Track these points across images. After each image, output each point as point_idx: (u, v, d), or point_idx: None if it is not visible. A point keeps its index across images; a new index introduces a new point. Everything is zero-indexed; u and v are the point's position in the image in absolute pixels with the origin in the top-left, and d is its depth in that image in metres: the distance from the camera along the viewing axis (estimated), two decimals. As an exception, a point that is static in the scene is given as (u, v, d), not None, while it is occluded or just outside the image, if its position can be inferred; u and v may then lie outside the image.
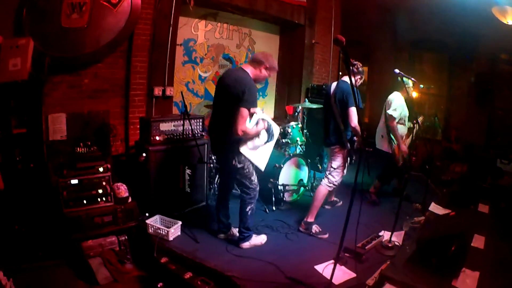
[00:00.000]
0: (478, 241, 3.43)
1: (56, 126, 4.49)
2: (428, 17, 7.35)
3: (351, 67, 3.82)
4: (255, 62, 3.95)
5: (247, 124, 3.78)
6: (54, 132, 4.49)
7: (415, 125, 4.34)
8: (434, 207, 4.66)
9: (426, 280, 2.82)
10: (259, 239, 4.22)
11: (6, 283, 2.56)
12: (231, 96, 3.74)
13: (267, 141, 4.09)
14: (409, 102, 5.10)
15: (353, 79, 3.07)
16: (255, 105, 3.82)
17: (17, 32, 4.09)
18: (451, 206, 4.52)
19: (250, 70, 3.91)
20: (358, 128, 4.26)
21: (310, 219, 4.63)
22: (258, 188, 4.12)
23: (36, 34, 4.03)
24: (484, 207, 4.36)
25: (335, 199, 5.49)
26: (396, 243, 4.17)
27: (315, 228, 4.60)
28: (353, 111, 4.30)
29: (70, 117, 4.57)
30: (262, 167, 4.11)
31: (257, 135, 3.96)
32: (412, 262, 3.14)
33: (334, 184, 4.65)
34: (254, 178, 4.08)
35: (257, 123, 3.94)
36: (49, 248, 3.80)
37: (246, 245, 4.10)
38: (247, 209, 4.06)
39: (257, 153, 4.03)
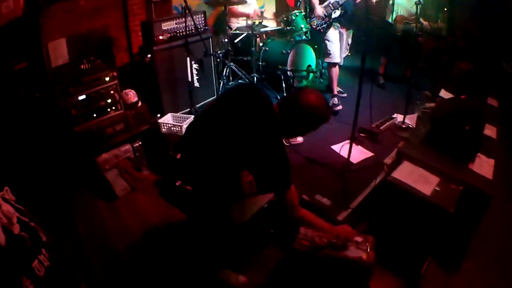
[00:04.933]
0: (490, 131, 3.36)
1: (57, 52, 4.34)
2: None
3: None
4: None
5: None
6: (56, 58, 4.33)
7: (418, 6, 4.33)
8: (444, 94, 4.63)
9: (442, 160, 2.80)
10: None
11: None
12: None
13: None
14: None
15: None
16: None
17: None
18: (460, 93, 4.47)
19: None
20: None
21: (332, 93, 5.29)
22: None
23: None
24: (493, 101, 4.27)
25: (339, 89, 5.58)
26: (410, 125, 4.18)
27: (332, 101, 5.15)
28: None
29: (70, 40, 4.42)
30: None
31: None
32: (428, 141, 3.11)
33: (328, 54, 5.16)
34: None
35: None
36: (64, 172, 3.76)
37: None
38: None
39: None
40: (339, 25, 5.14)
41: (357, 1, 4.82)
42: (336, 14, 5.00)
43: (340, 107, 5.11)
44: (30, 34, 3.88)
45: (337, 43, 5.16)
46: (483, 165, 2.79)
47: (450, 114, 3.09)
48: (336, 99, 5.21)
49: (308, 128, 2.48)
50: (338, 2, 4.89)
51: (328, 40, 5.15)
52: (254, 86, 2.82)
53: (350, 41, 5.50)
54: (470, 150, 2.87)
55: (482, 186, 2.54)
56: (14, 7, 3.53)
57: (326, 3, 4.99)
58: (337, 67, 5.30)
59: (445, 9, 7.05)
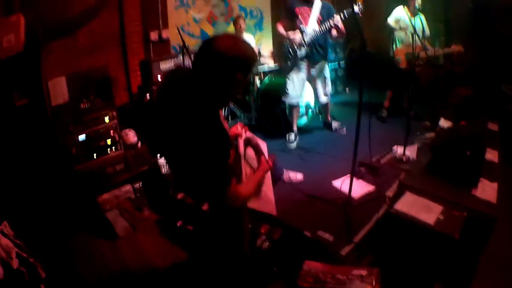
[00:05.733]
0: (491, 155, 3.33)
1: (57, 90, 4.36)
2: None
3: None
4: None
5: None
6: (56, 97, 4.34)
7: (414, 35, 4.43)
8: (444, 122, 4.65)
9: (445, 188, 2.76)
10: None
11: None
12: None
13: None
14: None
15: None
16: None
17: (7, 11, 3.84)
18: (460, 119, 4.48)
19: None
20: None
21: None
22: None
23: (28, 7, 3.86)
24: (493, 125, 4.27)
25: (338, 126, 5.54)
26: (411, 158, 4.17)
27: (288, 136, 5.15)
28: None
29: (70, 78, 4.43)
30: None
31: None
32: (429, 170, 3.07)
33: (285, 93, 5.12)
34: None
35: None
36: (65, 209, 3.74)
37: None
38: None
39: None
40: (304, 64, 5.01)
41: (337, 36, 4.81)
42: (302, 52, 4.91)
43: (293, 145, 5.06)
44: (31, 70, 3.92)
45: (297, 85, 5.04)
46: (486, 190, 2.74)
47: (450, 140, 3.08)
48: (293, 135, 5.15)
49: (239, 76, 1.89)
50: (301, 43, 4.85)
51: (288, 79, 5.09)
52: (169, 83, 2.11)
53: (328, 74, 5.30)
54: (472, 176, 2.83)
55: (486, 210, 2.50)
56: (15, 42, 3.55)
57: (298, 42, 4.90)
58: (297, 108, 5.23)
59: (442, 37, 7.18)
